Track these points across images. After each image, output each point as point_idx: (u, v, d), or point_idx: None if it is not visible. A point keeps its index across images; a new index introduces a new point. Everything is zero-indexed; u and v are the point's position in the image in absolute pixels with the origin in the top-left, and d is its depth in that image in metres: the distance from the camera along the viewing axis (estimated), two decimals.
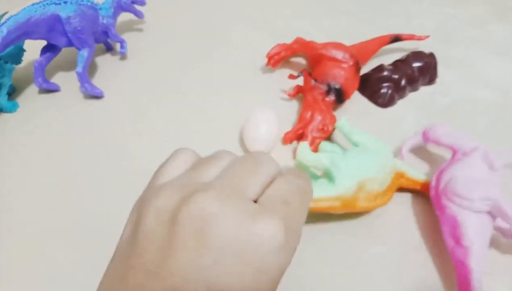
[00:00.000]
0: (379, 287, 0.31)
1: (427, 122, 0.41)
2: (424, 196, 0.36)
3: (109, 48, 0.55)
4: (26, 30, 0.42)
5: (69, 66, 0.52)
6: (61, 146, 0.43)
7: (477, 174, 0.31)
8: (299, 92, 0.44)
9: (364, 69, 0.47)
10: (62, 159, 0.41)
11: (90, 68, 0.51)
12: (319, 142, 0.39)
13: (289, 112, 0.44)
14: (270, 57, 0.48)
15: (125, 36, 0.56)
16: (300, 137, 0.41)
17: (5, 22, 0.41)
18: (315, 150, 0.39)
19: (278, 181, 0.18)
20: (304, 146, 0.34)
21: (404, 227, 0.34)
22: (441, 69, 0.47)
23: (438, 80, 0.47)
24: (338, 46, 0.45)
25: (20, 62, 0.48)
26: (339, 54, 0.44)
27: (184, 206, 0.16)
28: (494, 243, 0.32)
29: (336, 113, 0.43)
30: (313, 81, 0.42)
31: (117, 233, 0.18)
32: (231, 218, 0.16)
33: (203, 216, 0.15)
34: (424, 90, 0.47)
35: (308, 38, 0.48)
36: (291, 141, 0.41)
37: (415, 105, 0.45)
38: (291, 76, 0.45)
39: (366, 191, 0.32)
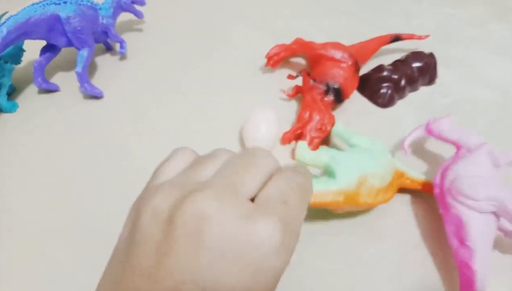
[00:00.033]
0: (379, 285, 0.31)
1: None
2: (424, 195, 0.36)
3: (108, 48, 0.55)
4: (25, 30, 0.42)
5: (69, 66, 0.52)
6: (61, 146, 0.43)
7: (482, 172, 0.31)
8: (298, 93, 0.44)
9: (364, 69, 0.47)
10: (62, 159, 0.41)
11: (90, 68, 0.51)
12: (318, 142, 0.39)
13: (289, 113, 0.44)
14: (269, 58, 0.48)
15: (125, 36, 0.56)
16: (298, 137, 0.41)
17: (5, 22, 0.41)
18: (314, 150, 0.39)
19: (276, 177, 0.18)
20: (302, 145, 0.35)
21: (404, 226, 0.34)
22: (441, 69, 0.47)
23: (438, 80, 0.47)
24: (337, 46, 0.45)
25: (19, 62, 0.48)
26: (337, 54, 0.44)
27: (181, 205, 0.16)
28: (494, 243, 0.32)
29: (336, 113, 0.43)
30: (312, 81, 0.42)
31: (117, 233, 0.18)
32: (229, 219, 0.15)
33: (200, 216, 0.15)
34: (424, 91, 0.47)
35: (308, 38, 0.48)
36: (289, 142, 0.41)
37: (414, 105, 0.45)
38: (290, 77, 0.45)
39: (367, 186, 0.32)
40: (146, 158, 0.40)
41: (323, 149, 0.36)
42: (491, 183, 0.30)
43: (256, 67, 0.50)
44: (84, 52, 0.46)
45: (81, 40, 0.46)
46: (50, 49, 0.47)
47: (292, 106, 0.45)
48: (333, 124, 0.40)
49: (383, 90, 0.45)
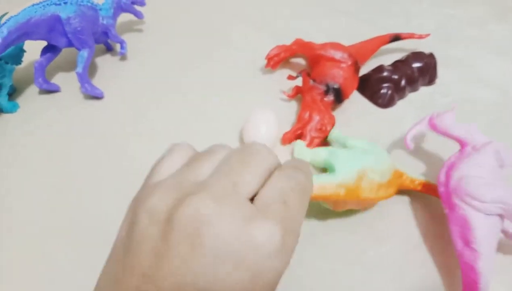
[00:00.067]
0: (379, 286, 0.31)
1: None
2: (424, 196, 0.36)
3: (109, 49, 0.55)
4: (26, 31, 0.42)
5: (69, 66, 0.52)
6: (61, 147, 0.43)
7: (489, 172, 0.30)
8: (298, 93, 0.44)
9: (364, 70, 0.47)
10: (62, 160, 0.41)
11: (90, 69, 0.51)
12: (318, 142, 0.39)
13: (289, 113, 0.44)
14: (269, 59, 0.48)
15: (125, 37, 0.56)
16: (298, 137, 0.41)
17: (5, 22, 0.41)
18: None
19: (276, 175, 0.18)
20: (300, 144, 0.35)
21: (405, 226, 0.34)
22: (441, 70, 0.47)
23: (438, 80, 0.47)
24: (337, 46, 0.45)
25: (20, 63, 0.48)
26: (337, 54, 0.44)
27: (179, 207, 0.15)
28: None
29: (336, 113, 0.43)
30: (311, 82, 0.42)
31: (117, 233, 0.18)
32: (227, 220, 0.15)
33: (198, 218, 0.15)
34: (424, 91, 0.47)
35: (308, 38, 0.48)
36: (290, 142, 0.41)
37: (415, 105, 0.45)
38: (290, 77, 0.45)
39: (368, 180, 0.32)
40: (146, 158, 0.40)
41: (322, 147, 0.37)
42: (498, 184, 0.29)
43: (256, 68, 0.50)
44: (85, 53, 0.46)
45: (81, 41, 0.46)
46: (50, 49, 0.48)
47: (292, 107, 0.45)
48: (333, 125, 0.40)
49: (383, 91, 0.45)
